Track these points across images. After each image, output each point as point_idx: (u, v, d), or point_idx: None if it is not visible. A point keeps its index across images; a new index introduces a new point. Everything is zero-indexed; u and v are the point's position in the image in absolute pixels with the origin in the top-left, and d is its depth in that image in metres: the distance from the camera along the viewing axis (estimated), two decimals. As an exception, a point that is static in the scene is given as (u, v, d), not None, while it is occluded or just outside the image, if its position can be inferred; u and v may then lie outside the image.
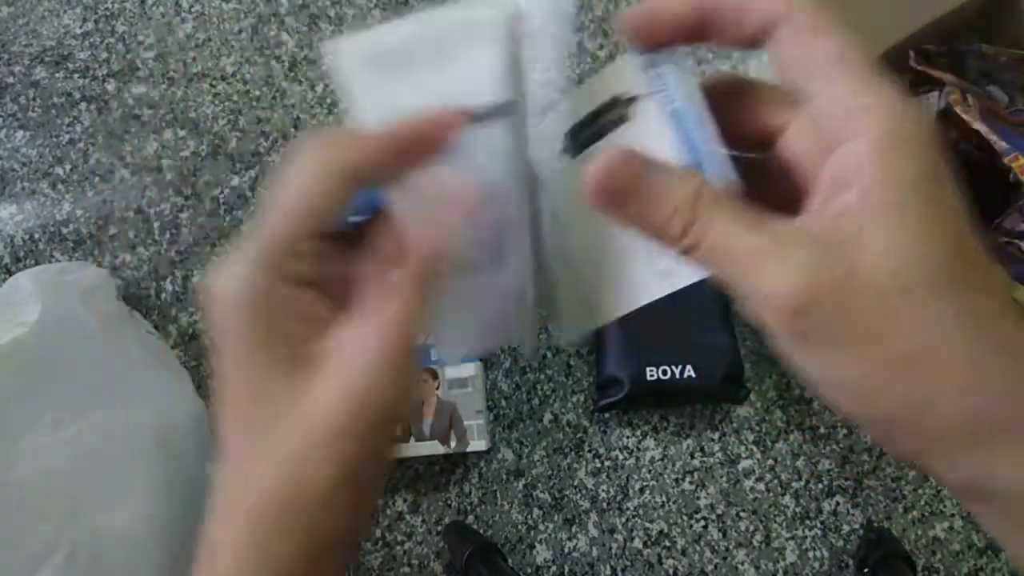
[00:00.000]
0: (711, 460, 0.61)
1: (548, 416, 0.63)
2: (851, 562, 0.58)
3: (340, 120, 0.72)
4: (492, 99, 0.22)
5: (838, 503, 0.60)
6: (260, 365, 0.19)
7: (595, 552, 0.60)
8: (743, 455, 0.61)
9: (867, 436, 0.61)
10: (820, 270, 0.18)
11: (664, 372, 0.57)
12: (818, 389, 0.19)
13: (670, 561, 0.59)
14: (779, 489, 0.60)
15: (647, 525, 0.60)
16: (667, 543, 0.60)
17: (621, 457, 0.62)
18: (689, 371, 0.57)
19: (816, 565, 0.59)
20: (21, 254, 0.70)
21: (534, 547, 0.60)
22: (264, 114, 0.73)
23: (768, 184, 0.21)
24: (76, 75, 0.75)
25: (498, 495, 0.61)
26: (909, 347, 0.17)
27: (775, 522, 0.60)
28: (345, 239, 0.22)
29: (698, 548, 0.59)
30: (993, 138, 0.51)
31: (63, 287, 0.58)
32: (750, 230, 0.19)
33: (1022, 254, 0.53)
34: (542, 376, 0.63)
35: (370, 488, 0.20)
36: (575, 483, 0.61)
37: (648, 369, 0.57)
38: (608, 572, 0.59)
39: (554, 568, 0.60)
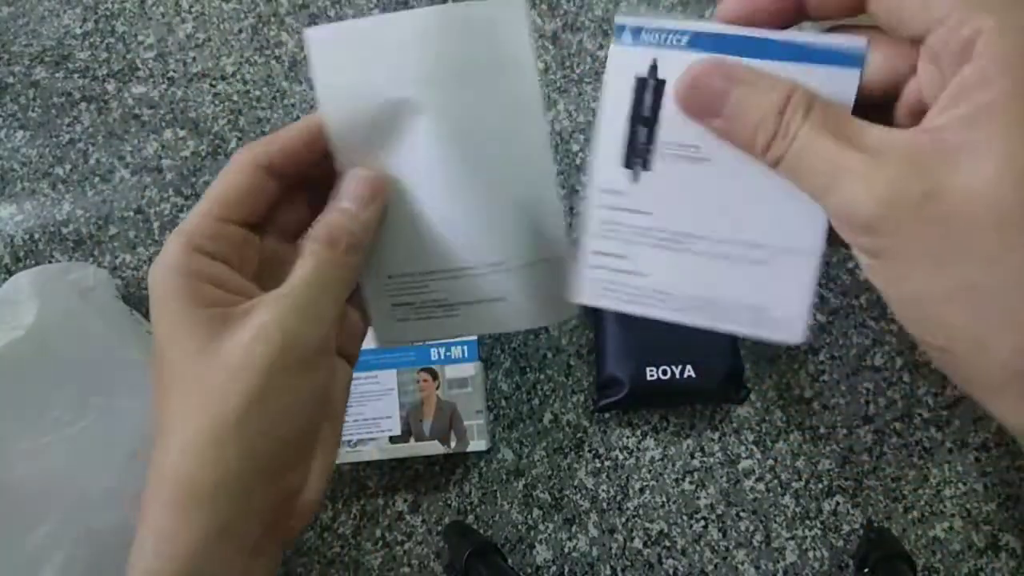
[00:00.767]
0: (711, 460, 0.61)
1: (548, 416, 0.63)
2: (851, 562, 0.58)
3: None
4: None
5: (838, 503, 0.60)
6: (186, 325, 0.22)
7: (595, 552, 0.60)
8: (743, 455, 0.61)
9: (867, 436, 0.61)
10: (905, 187, 0.16)
11: (664, 372, 0.57)
12: (889, 304, 0.19)
13: (670, 561, 0.59)
14: (779, 489, 0.60)
15: (647, 525, 0.60)
16: (667, 543, 0.60)
17: (621, 457, 0.62)
18: (689, 371, 0.57)
19: (816, 565, 0.59)
20: (21, 254, 0.70)
21: (534, 547, 0.60)
22: (264, 114, 0.73)
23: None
24: (76, 75, 0.75)
25: (498, 495, 0.61)
26: (977, 281, 0.16)
27: (775, 522, 0.60)
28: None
29: (698, 548, 0.59)
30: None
31: (62, 287, 0.58)
32: (839, 143, 0.18)
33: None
34: (542, 376, 0.63)
35: (284, 420, 0.22)
36: (575, 483, 0.61)
37: (648, 369, 0.57)
38: (608, 572, 0.59)
39: (554, 568, 0.60)
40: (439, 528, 0.61)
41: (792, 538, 0.59)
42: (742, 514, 0.60)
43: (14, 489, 0.47)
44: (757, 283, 0.24)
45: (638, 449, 0.62)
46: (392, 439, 0.59)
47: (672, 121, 0.23)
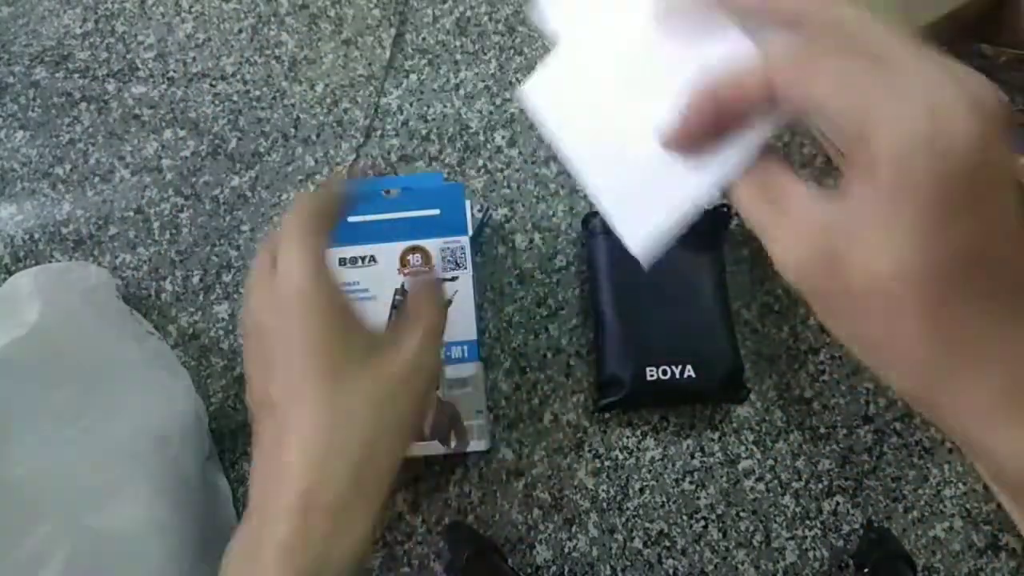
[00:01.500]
0: (711, 460, 0.61)
1: (548, 416, 0.63)
2: (851, 562, 0.58)
3: (339, 120, 0.72)
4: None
5: (838, 503, 0.60)
6: (340, 347, 0.30)
7: (595, 552, 0.60)
8: (743, 455, 0.61)
9: (867, 436, 0.61)
10: (816, 257, 0.20)
11: (664, 372, 0.57)
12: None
13: (670, 561, 0.59)
14: (779, 489, 0.60)
15: (647, 525, 0.60)
16: (667, 543, 0.60)
17: (621, 457, 0.62)
18: (689, 371, 0.57)
19: (816, 565, 0.59)
20: (21, 254, 0.70)
21: (534, 547, 0.60)
22: (264, 114, 0.73)
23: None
24: (76, 75, 0.75)
25: (498, 495, 0.61)
26: (879, 342, 0.20)
27: (775, 522, 0.60)
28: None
29: (698, 548, 0.59)
30: (993, 138, 0.51)
31: (63, 287, 0.58)
32: (769, 203, 0.24)
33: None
34: (542, 376, 0.63)
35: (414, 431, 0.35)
36: (575, 483, 0.61)
37: (648, 369, 0.57)
38: (608, 572, 0.59)
39: (554, 568, 0.60)
40: (439, 528, 0.61)
41: (792, 538, 0.59)
42: (742, 514, 0.60)
43: (14, 489, 0.47)
44: (646, 183, 0.27)
45: (638, 449, 0.62)
46: None
47: None
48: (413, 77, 0.73)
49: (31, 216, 0.71)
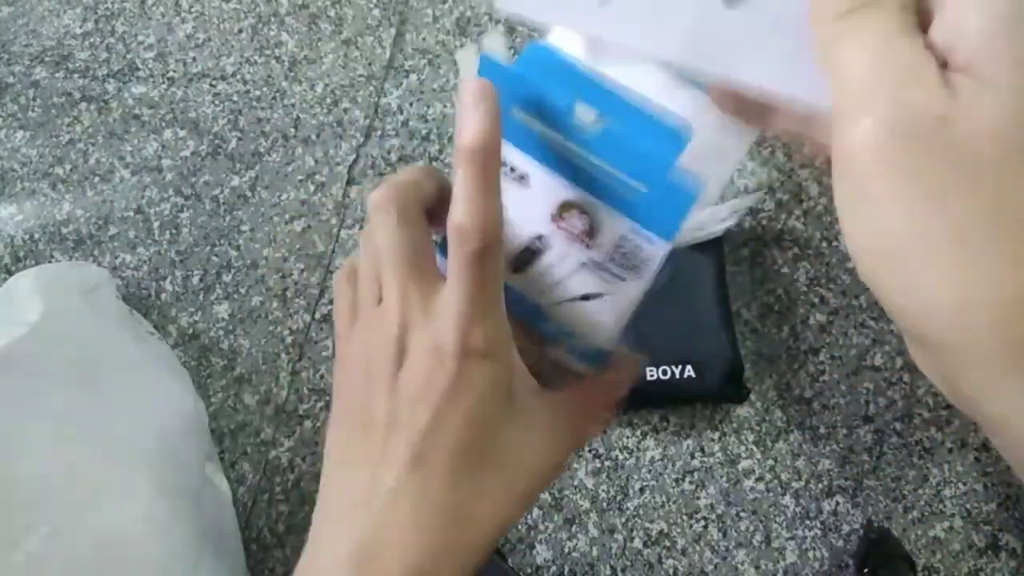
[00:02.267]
0: (711, 460, 0.61)
1: (548, 416, 0.63)
2: (851, 562, 0.58)
3: (339, 120, 0.72)
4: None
5: (838, 503, 0.60)
6: (500, 419, 0.23)
7: (595, 552, 0.60)
8: (743, 455, 0.61)
9: (867, 436, 0.61)
10: (912, 108, 0.15)
11: (664, 372, 0.57)
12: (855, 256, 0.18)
13: (670, 561, 0.59)
14: (779, 489, 0.60)
15: (647, 525, 0.60)
16: (667, 543, 0.60)
17: (621, 457, 0.62)
18: (689, 371, 0.57)
19: (816, 565, 0.59)
20: (21, 254, 0.70)
21: (534, 547, 0.60)
22: (264, 114, 0.73)
23: None
24: (76, 75, 0.75)
25: (498, 495, 0.61)
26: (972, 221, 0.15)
27: (775, 522, 0.60)
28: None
29: (698, 548, 0.59)
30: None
31: (64, 287, 0.58)
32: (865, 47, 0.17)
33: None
34: (542, 376, 0.63)
35: None
36: (575, 483, 0.61)
37: (648, 369, 0.57)
38: (608, 572, 0.59)
39: (554, 568, 0.60)
40: (439, 528, 0.61)
41: (792, 538, 0.59)
42: (742, 514, 0.60)
43: (15, 488, 0.47)
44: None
45: (638, 449, 0.62)
46: None
47: None
48: (413, 77, 0.73)
49: (31, 216, 0.71)
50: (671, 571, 0.59)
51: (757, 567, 0.59)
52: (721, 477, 0.61)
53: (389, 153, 0.71)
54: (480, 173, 0.21)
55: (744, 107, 0.22)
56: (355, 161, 0.70)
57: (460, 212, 0.21)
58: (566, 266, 0.31)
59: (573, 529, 0.60)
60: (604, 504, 0.61)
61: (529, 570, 0.60)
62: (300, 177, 0.71)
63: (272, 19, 0.76)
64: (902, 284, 0.17)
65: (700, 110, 0.25)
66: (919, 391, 0.61)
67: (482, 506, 0.23)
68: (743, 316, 0.64)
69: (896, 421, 0.61)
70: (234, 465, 0.63)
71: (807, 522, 0.60)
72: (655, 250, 0.29)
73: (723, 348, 0.58)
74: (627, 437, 0.62)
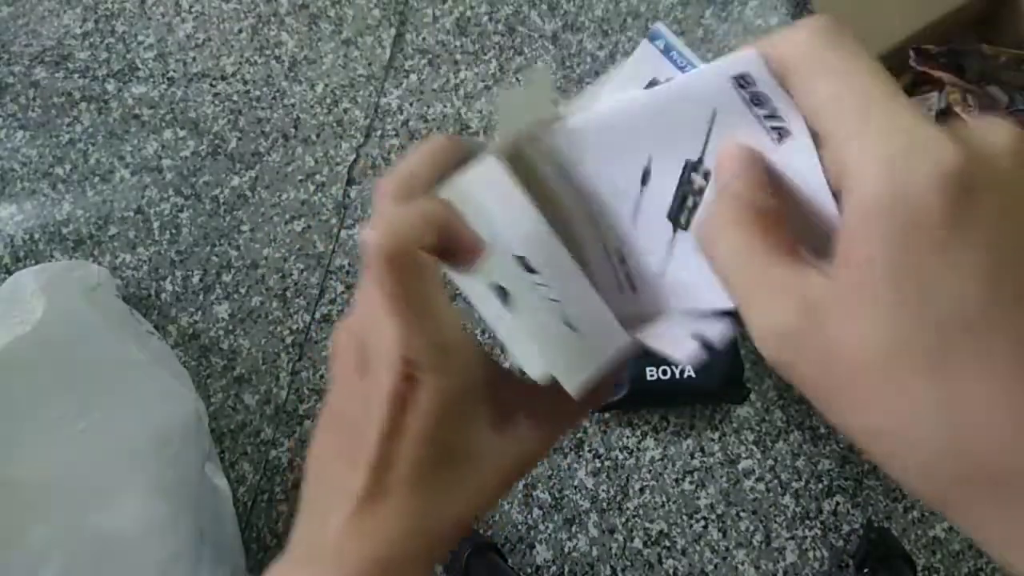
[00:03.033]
0: (711, 460, 0.61)
1: (548, 416, 0.63)
2: (851, 562, 0.58)
3: (339, 120, 0.72)
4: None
5: (838, 503, 0.60)
6: (472, 418, 0.22)
7: (595, 552, 0.60)
8: (743, 455, 0.61)
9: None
10: (797, 333, 0.16)
11: (664, 372, 0.57)
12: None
13: (670, 561, 0.59)
14: (779, 489, 0.60)
15: (647, 525, 0.60)
16: (667, 543, 0.60)
17: (621, 457, 0.62)
18: (689, 371, 0.57)
19: (816, 565, 0.59)
20: (21, 254, 0.70)
21: (534, 547, 0.60)
22: (264, 114, 0.73)
23: None
24: (76, 75, 0.75)
25: (498, 495, 0.62)
26: (878, 424, 0.15)
27: (775, 522, 0.60)
28: None
29: (698, 548, 0.59)
30: (993, 138, 0.51)
31: (68, 285, 0.58)
32: (753, 258, 0.17)
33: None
34: (542, 376, 0.63)
35: None
36: (575, 483, 0.61)
37: (648, 369, 0.57)
38: (608, 572, 0.59)
39: (554, 568, 0.60)
40: (439, 528, 0.61)
41: (792, 538, 0.59)
42: (742, 514, 0.60)
43: (15, 488, 0.47)
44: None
45: (638, 449, 0.62)
46: None
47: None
48: (413, 77, 0.73)
49: (31, 216, 0.71)
50: (671, 571, 0.59)
51: (757, 567, 0.59)
52: (721, 477, 0.61)
53: (389, 153, 0.71)
54: (384, 188, 0.21)
55: None
56: (355, 161, 0.70)
57: (367, 228, 0.21)
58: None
59: (573, 529, 0.60)
60: (604, 504, 0.61)
61: (529, 570, 0.60)
62: (300, 177, 0.71)
63: (272, 19, 0.76)
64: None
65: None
66: (919, 391, 0.61)
67: (446, 505, 0.22)
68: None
69: (896, 421, 0.61)
70: (234, 465, 0.63)
71: (807, 522, 0.60)
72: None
73: (723, 349, 0.58)
74: (627, 437, 0.62)
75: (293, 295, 0.67)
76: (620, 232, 0.22)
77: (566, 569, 0.60)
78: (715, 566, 0.59)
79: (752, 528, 0.60)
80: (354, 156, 0.70)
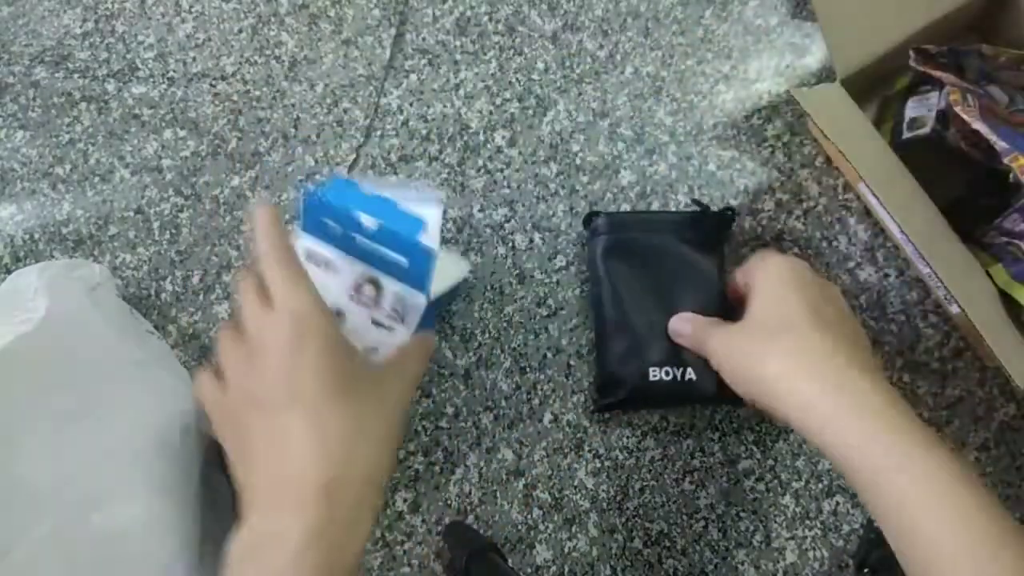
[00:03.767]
0: (711, 460, 0.61)
1: (548, 416, 0.63)
2: (851, 562, 0.58)
3: (339, 120, 0.72)
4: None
5: (838, 503, 0.60)
6: (349, 365, 0.37)
7: (595, 552, 0.60)
8: (743, 455, 0.61)
9: (867, 436, 0.61)
10: (731, 332, 0.50)
11: (667, 373, 0.57)
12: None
13: (670, 561, 0.59)
14: (779, 489, 0.60)
15: (647, 525, 0.60)
16: (667, 543, 0.60)
17: (621, 457, 0.62)
18: (690, 373, 0.57)
19: (816, 565, 0.59)
20: (21, 254, 0.70)
21: (534, 547, 0.60)
22: (264, 114, 0.73)
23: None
24: (76, 75, 0.75)
25: (498, 495, 0.61)
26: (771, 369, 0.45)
27: (775, 522, 0.60)
28: None
29: (698, 548, 0.59)
30: (993, 138, 0.51)
31: (70, 283, 0.58)
32: (707, 328, 0.53)
33: (1022, 254, 0.53)
34: (542, 376, 0.63)
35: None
36: (575, 483, 0.61)
37: (651, 369, 0.57)
38: (608, 572, 0.59)
39: (554, 568, 0.60)
40: (439, 528, 0.61)
41: (792, 538, 0.59)
42: (742, 514, 0.60)
43: (15, 488, 0.47)
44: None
45: (638, 449, 0.62)
46: None
47: None
48: (413, 77, 0.73)
49: (31, 216, 0.71)
50: (671, 571, 0.59)
51: (757, 567, 0.59)
52: (721, 477, 0.61)
53: (389, 153, 0.71)
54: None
55: None
56: (355, 161, 0.70)
57: (257, 206, 0.40)
58: (361, 326, 0.48)
59: (573, 529, 0.60)
60: (604, 504, 0.61)
61: (529, 570, 0.60)
62: (300, 177, 0.71)
63: (272, 19, 0.76)
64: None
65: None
66: (919, 391, 0.61)
67: (365, 422, 0.35)
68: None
69: (896, 421, 0.61)
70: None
71: (807, 522, 0.60)
72: (418, 301, 0.47)
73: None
74: (627, 437, 0.62)
75: (293, 295, 0.67)
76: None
77: (566, 569, 0.60)
78: (715, 566, 0.59)
79: (752, 528, 0.60)
80: (354, 156, 0.71)
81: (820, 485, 0.60)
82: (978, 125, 0.52)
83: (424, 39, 0.74)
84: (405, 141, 0.71)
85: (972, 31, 0.64)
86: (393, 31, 0.75)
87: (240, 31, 0.76)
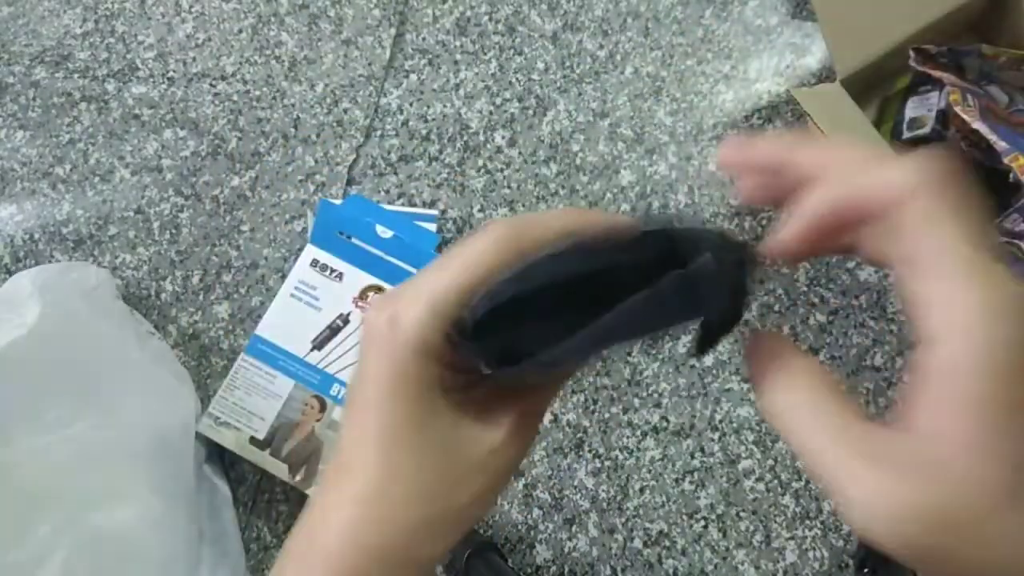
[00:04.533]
0: (711, 460, 0.61)
1: (548, 416, 0.63)
2: (851, 562, 0.58)
3: (339, 120, 0.72)
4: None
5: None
6: (427, 404, 0.22)
7: (595, 552, 0.60)
8: (743, 455, 0.61)
9: (867, 436, 0.61)
10: (925, 489, 0.16)
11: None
12: None
13: (670, 561, 0.59)
14: (779, 489, 0.60)
15: (647, 525, 0.60)
16: (667, 543, 0.60)
17: (621, 457, 0.62)
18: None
19: (816, 565, 0.59)
20: (21, 254, 0.70)
21: (534, 547, 0.60)
22: (264, 114, 0.73)
23: None
24: (76, 75, 0.75)
25: (498, 495, 0.61)
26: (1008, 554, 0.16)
27: (775, 522, 0.60)
28: None
29: (698, 548, 0.59)
30: (993, 138, 0.51)
31: (63, 287, 0.58)
32: (837, 433, 0.18)
33: (1022, 254, 0.53)
34: (542, 376, 0.63)
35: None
36: (575, 483, 0.61)
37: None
38: (608, 572, 0.59)
39: (554, 568, 0.60)
40: (439, 528, 0.61)
41: (792, 538, 0.59)
42: (742, 514, 0.60)
43: (15, 488, 0.47)
44: None
45: (638, 449, 0.62)
46: (252, 440, 0.59)
47: None
48: (413, 77, 0.73)
49: (31, 216, 0.71)
50: (671, 571, 0.59)
51: (757, 567, 0.59)
52: (721, 477, 0.61)
53: (389, 153, 0.71)
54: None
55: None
56: (355, 161, 0.70)
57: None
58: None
59: (573, 529, 0.60)
60: (604, 504, 0.61)
61: (529, 570, 0.60)
62: (300, 177, 0.71)
63: (272, 19, 0.76)
64: None
65: None
66: (919, 391, 0.61)
67: (451, 490, 0.23)
68: (743, 316, 0.64)
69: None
70: (234, 465, 0.63)
71: (807, 522, 0.60)
72: None
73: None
74: (627, 437, 0.62)
75: (293, 295, 0.67)
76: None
77: (566, 569, 0.60)
78: (715, 566, 0.59)
79: (752, 528, 0.60)
80: (354, 156, 0.70)
81: (820, 485, 0.60)
82: (978, 125, 0.52)
83: (424, 39, 0.74)
84: (405, 141, 0.71)
85: (972, 31, 0.64)
86: (393, 31, 0.74)
87: (240, 31, 0.76)
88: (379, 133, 0.71)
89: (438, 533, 0.22)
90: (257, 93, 0.74)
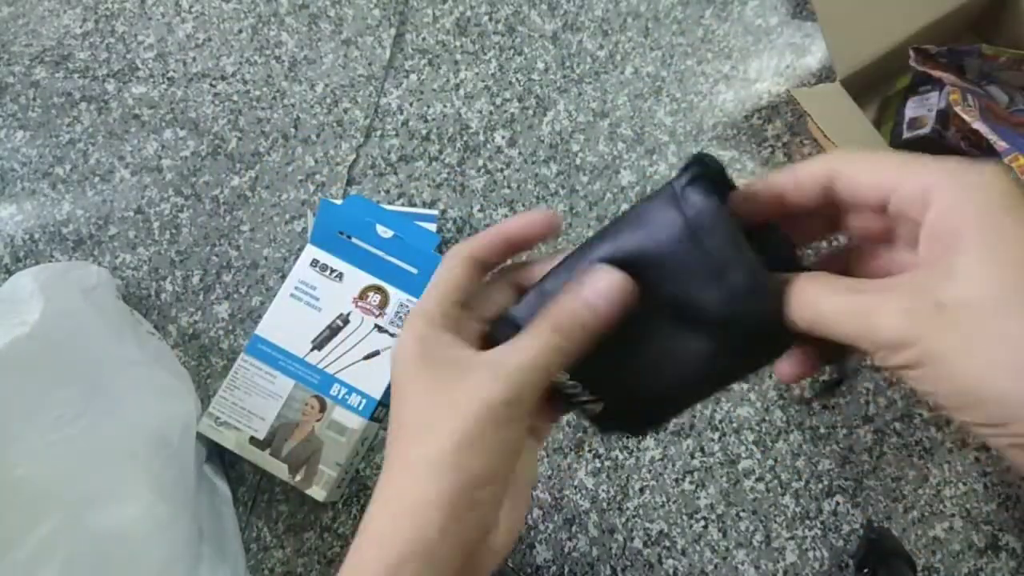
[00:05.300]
0: (711, 460, 0.61)
1: (548, 416, 0.63)
2: (851, 562, 0.58)
3: (339, 120, 0.72)
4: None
5: (838, 503, 0.60)
6: (428, 372, 0.27)
7: (595, 552, 0.60)
8: (743, 455, 0.61)
9: (867, 436, 0.61)
10: (917, 306, 0.20)
11: None
12: (940, 404, 0.22)
13: (670, 561, 0.59)
14: (779, 489, 0.60)
15: (647, 525, 0.60)
16: (667, 543, 0.60)
17: (621, 457, 0.62)
18: None
19: (816, 565, 0.59)
20: (21, 254, 0.70)
21: (534, 547, 0.60)
22: (264, 114, 0.73)
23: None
24: (76, 75, 0.75)
25: (498, 495, 0.61)
26: (998, 357, 0.19)
27: (775, 522, 0.60)
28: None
29: (698, 548, 0.59)
30: (993, 138, 0.51)
31: (64, 286, 0.58)
32: (848, 294, 0.23)
33: (1022, 254, 0.53)
34: (542, 376, 0.63)
35: (485, 459, 0.26)
36: (575, 483, 0.61)
37: None
38: (608, 572, 0.59)
39: (554, 568, 0.60)
40: (439, 528, 0.61)
41: (792, 538, 0.59)
42: (742, 514, 0.60)
43: (15, 488, 0.47)
44: None
45: (638, 449, 0.62)
46: (252, 440, 0.59)
47: None
48: (413, 77, 0.73)
49: (31, 216, 0.71)
50: (671, 571, 0.59)
51: (757, 567, 0.59)
52: (721, 477, 0.61)
53: (389, 153, 0.71)
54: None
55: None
56: (355, 161, 0.70)
57: None
58: (363, 330, 0.57)
59: (573, 529, 0.60)
60: (604, 504, 0.61)
61: (529, 570, 0.60)
62: (300, 177, 0.71)
63: (272, 19, 0.76)
64: None
65: None
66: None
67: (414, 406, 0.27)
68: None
69: (896, 421, 0.61)
70: (234, 465, 0.63)
71: (807, 522, 0.60)
72: None
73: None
74: (627, 437, 0.62)
75: (293, 295, 0.67)
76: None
77: (566, 569, 0.60)
78: (715, 566, 0.59)
79: (752, 528, 0.60)
80: (354, 156, 0.71)
81: (820, 485, 0.60)
82: (978, 125, 0.52)
83: (424, 39, 0.74)
84: (405, 141, 0.71)
85: (972, 31, 0.64)
86: (393, 31, 0.75)
87: (240, 31, 0.76)
88: (379, 133, 0.71)
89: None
90: (257, 93, 0.74)
